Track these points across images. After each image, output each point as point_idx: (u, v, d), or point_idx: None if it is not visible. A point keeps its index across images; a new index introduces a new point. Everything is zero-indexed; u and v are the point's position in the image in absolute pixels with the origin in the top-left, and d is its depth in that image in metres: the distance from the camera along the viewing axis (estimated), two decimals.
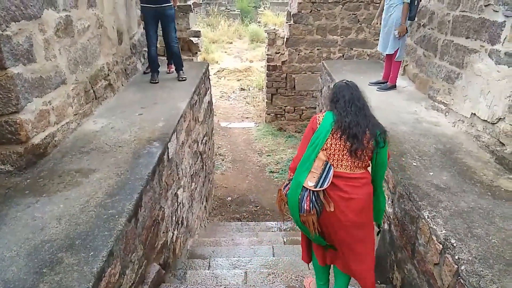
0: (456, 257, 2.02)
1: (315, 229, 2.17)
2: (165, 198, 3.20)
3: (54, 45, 3.09)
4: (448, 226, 2.23)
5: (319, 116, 2.37)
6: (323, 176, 2.14)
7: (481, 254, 2.02)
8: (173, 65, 5.44)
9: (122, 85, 4.72)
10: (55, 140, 3.09)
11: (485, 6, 3.32)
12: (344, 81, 2.44)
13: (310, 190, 2.13)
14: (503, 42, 3.10)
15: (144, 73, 5.35)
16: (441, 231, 2.20)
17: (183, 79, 5.15)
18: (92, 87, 3.83)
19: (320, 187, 2.13)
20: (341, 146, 2.19)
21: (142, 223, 2.53)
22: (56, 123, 3.11)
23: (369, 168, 2.29)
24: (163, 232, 3.14)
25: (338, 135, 2.19)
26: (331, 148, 2.20)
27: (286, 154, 8.03)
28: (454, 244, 2.09)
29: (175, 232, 3.65)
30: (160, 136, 3.33)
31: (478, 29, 3.44)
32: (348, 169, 2.19)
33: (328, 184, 2.13)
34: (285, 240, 4.78)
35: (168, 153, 3.29)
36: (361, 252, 2.24)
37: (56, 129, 3.10)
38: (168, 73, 5.46)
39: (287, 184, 2.35)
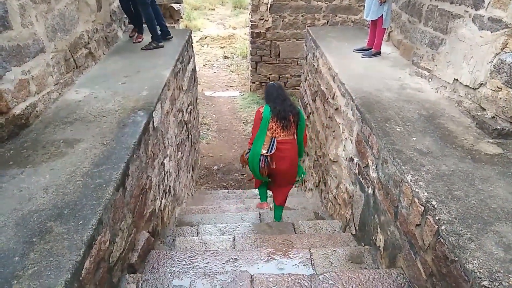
0: (437, 218, 2.10)
1: (265, 174, 3.62)
2: (152, 167, 3.20)
3: (30, 11, 2.97)
4: (430, 189, 2.30)
5: (261, 109, 3.60)
6: (271, 146, 3.50)
7: (460, 214, 2.10)
8: (142, 35, 5.27)
9: (104, 54, 4.60)
10: (37, 110, 3.02)
11: None
12: (272, 82, 3.75)
13: (263, 155, 3.53)
14: (487, 7, 3.11)
15: (130, 37, 5.20)
16: (423, 193, 2.27)
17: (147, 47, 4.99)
18: (72, 56, 3.73)
19: (269, 153, 3.52)
20: (278, 125, 3.51)
21: (130, 192, 2.54)
22: (36, 93, 3.03)
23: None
24: (151, 201, 3.16)
25: (275, 119, 3.50)
26: (272, 128, 3.53)
27: None
28: (435, 206, 2.16)
29: (163, 201, 3.68)
30: (144, 105, 3.30)
31: None
32: (284, 137, 3.55)
33: (274, 151, 3.50)
34: (271, 206, 4.86)
35: (153, 122, 3.26)
36: (286, 187, 3.95)
37: (37, 99, 3.03)
38: (134, 42, 5.21)
39: (247, 152, 3.71)
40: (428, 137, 2.90)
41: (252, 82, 9.30)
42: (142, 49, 4.99)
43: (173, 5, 7.78)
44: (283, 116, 3.45)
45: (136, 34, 5.31)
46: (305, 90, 6.47)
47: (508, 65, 2.85)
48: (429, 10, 4.07)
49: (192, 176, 5.90)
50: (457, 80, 3.47)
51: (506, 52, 2.94)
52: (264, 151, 3.48)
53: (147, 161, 3.04)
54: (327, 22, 8.36)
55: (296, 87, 8.94)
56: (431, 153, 2.68)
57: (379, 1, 4.51)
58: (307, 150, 6.00)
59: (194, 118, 6.36)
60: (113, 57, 4.62)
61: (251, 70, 9.25)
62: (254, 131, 3.59)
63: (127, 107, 3.26)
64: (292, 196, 5.85)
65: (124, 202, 2.41)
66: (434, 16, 3.94)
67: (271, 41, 8.73)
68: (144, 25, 5.37)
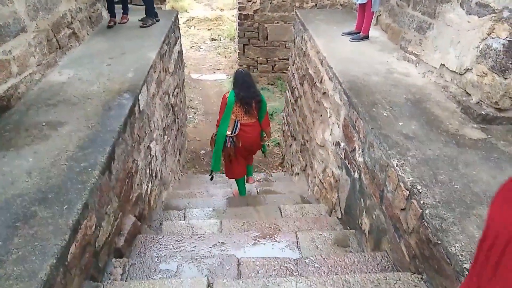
0: (421, 202, 2.13)
1: (232, 154, 4.05)
2: (138, 151, 3.17)
3: None
4: (415, 174, 2.33)
5: (227, 94, 3.94)
6: (235, 127, 3.90)
7: (444, 198, 2.14)
8: (127, 15, 5.17)
9: (88, 34, 4.49)
10: (19, 92, 2.95)
11: None
12: (240, 69, 4.05)
13: (228, 136, 3.92)
14: None
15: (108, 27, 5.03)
16: (408, 178, 2.30)
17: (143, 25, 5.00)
18: (55, 36, 3.63)
19: (234, 134, 3.92)
20: (241, 109, 3.88)
21: (116, 175, 2.51)
22: (18, 74, 2.95)
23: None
24: (137, 185, 3.14)
25: (239, 104, 3.86)
26: (236, 111, 3.90)
27: None
28: (420, 190, 2.19)
29: (149, 185, 3.66)
30: (130, 88, 3.24)
31: None
32: (246, 120, 3.96)
33: (237, 131, 3.91)
34: (258, 190, 4.89)
35: (139, 105, 3.21)
36: (250, 159, 4.58)
37: (19, 80, 2.95)
38: (119, 23, 5.10)
39: (215, 134, 4.05)
40: (415, 121, 2.92)
41: (240, 65, 9.22)
42: (140, 26, 4.99)
43: None
44: (246, 102, 3.81)
45: (122, 14, 5.19)
46: (293, 73, 6.44)
47: (494, 50, 2.87)
48: None
49: (179, 160, 5.86)
50: (443, 65, 3.49)
51: (492, 38, 2.95)
52: (228, 133, 3.90)
53: (133, 144, 3.01)
54: (316, 5, 8.28)
55: (284, 71, 8.89)
56: (417, 138, 2.71)
57: None
58: (294, 134, 6.01)
59: (181, 101, 6.29)
60: (97, 38, 4.51)
61: (238, 52, 9.16)
62: (220, 114, 3.98)
63: (112, 89, 3.20)
64: (279, 181, 5.88)
65: (110, 186, 2.39)
66: (423, 0, 3.93)
67: (259, 23, 8.63)
68: (130, 5, 5.26)
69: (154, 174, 3.88)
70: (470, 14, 3.15)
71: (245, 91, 3.81)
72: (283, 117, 7.13)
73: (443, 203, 2.11)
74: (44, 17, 3.41)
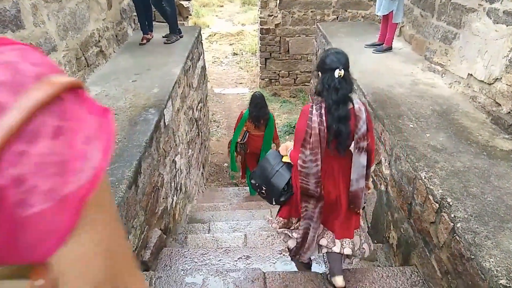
0: (452, 215, 2.07)
1: (242, 156, 5.01)
2: (163, 165, 3.21)
3: (42, 10, 2.99)
4: (445, 186, 2.27)
5: (243, 111, 4.76)
6: (244, 136, 4.74)
7: (476, 212, 2.07)
8: (152, 32, 5.28)
9: (114, 52, 4.61)
10: None
11: None
12: (256, 93, 4.76)
13: (238, 142, 4.79)
14: (502, 0, 3.05)
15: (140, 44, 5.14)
16: (438, 190, 2.24)
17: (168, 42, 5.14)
18: (84, 54, 3.75)
19: (243, 141, 4.75)
20: (252, 124, 4.68)
21: (142, 189, 2.55)
22: None
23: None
24: (163, 198, 3.17)
25: (250, 120, 4.65)
26: (247, 125, 4.71)
27: (281, 120, 8.02)
28: (450, 203, 2.13)
29: (175, 198, 3.69)
30: (155, 103, 3.30)
31: None
32: (255, 132, 4.73)
33: (246, 139, 4.75)
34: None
35: (164, 119, 3.27)
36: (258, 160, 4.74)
37: None
38: (141, 43, 5.08)
39: (230, 140, 4.97)
40: (442, 133, 2.86)
41: (262, 79, 9.26)
42: (165, 43, 5.11)
43: (182, 2, 7.78)
44: (256, 119, 4.65)
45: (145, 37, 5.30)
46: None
47: None
48: (442, 4, 4.01)
49: (202, 173, 5.91)
50: (471, 75, 3.42)
51: None
52: (239, 140, 4.80)
53: (159, 158, 3.05)
54: (337, 17, 8.29)
55: (306, 83, 8.89)
56: (445, 150, 2.65)
57: None
58: None
59: (204, 116, 6.37)
60: (123, 55, 4.63)
61: (260, 66, 9.21)
62: (236, 126, 4.88)
63: (138, 104, 3.27)
64: None
65: (137, 200, 2.42)
66: (447, 10, 3.88)
67: (280, 37, 8.68)
68: (154, 22, 5.39)
69: (179, 188, 3.92)
70: (497, 23, 3.09)
71: (257, 111, 4.60)
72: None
73: (475, 216, 2.04)
74: (73, 36, 3.53)
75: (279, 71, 9.09)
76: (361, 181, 2.10)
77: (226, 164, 6.93)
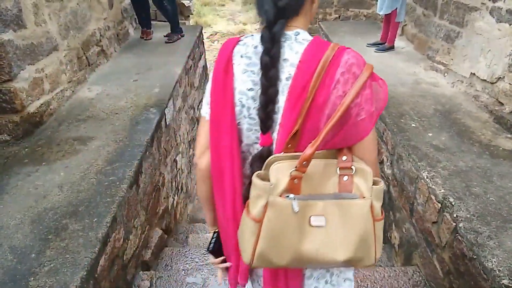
0: (455, 215, 2.06)
1: None
2: (164, 164, 3.20)
3: (43, 9, 2.99)
4: (447, 186, 2.26)
5: None
6: None
7: (479, 211, 2.06)
8: (151, 30, 5.29)
9: (115, 51, 4.61)
10: (51, 108, 3.04)
11: None
12: None
13: None
14: None
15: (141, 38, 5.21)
16: (440, 190, 2.23)
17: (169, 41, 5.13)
18: (85, 53, 3.74)
19: None
20: None
21: (143, 189, 2.54)
22: (50, 91, 3.05)
23: None
24: (164, 198, 3.16)
25: None
26: None
27: None
28: (453, 203, 2.12)
29: (176, 198, 3.68)
30: (156, 102, 3.30)
31: None
32: None
33: None
34: None
35: (165, 119, 3.26)
36: None
37: (51, 97, 3.05)
38: (145, 39, 5.19)
39: None
40: (445, 132, 2.85)
41: None
42: (166, 42, 5.10)
43: (183, 1, 7.77)
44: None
45: (145, 31, 5.31)
46: None
47: None
48: (445, 3, 3.99)
49: None
50: (474, 74, 3.40)
51: None
52: None
53: (160, 158, 3.04)
54: (339, 16, 8.27)
55: None
56: (448, 149, 2.63)
57: None
58: None
59: None
60: (124, 54, 4.63)
61: None
62: None
63: (139, 104, 3.26)
64: None
65: (138, 200, 2.42)
66: (450, 9, 3.86)
67: None
68: (155, 22, 5.39)
69: (180, 187, 3.92)
70: (500, 22, 3.08)
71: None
72: None
73: (477, 216, 2.03)
74: (75, 36, 3.53)
75: None
76: None
77: None
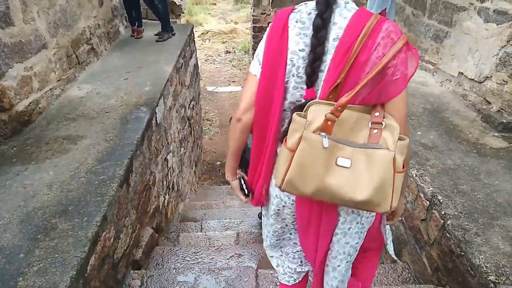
0: (443, 213, 2.08)
1: None
2: (155, 163, 3.19)
3: (32, 7, 2.95)
4: (435, 184, 2.29)
5: None
6: None
7: (466, 209, 2.09)
8: (141, 28, 5.26)
9: (105, 50, 4.58)
10: (40, 107, 3.02)
11: None
12: None
13: None
14: None
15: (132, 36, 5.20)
16: (429, 188, 2.26)
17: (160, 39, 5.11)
18: (75, 52, 3.71)
19: None
20: None
21: (134, 188, 2.54)
22: (39, 89, 3.02)
23: None
24: (155, 197, 3.16)
25: None
26: None
27: None
28: (441, 201, 2.15)
29: (167, 197, 3.68)
30: (147, 101, 3.28)
31: None
32: None
33: None
34: None
35: (156, 118, 3.25)
36: None
37: (40, 95, 3.02)
38: (136, 38, 5.18)
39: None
40: (433, 131, 2.88)
41: None
42: (157, 41, 5.08)
43: (174, 0, 7.74)
44: None
45: (136, 29, 5.29)
46: None
47: None
48: (434, 3, 4.03)
49: (195, 171, 5.89)
50: (462, 73, 3.45)
51: (511, 46, 2.91)
52: None
53: (151, 157, 3.03)
54: None
55: None
56: (436, 148, 2.66)
57: None
58: None
59: (197, 114, 6.35)
60: (115, 53, 4.60)
61: None
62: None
63: (129, 103, 3.25)
64: None
65: (128, 199, 2.41)
66: (439, 9, 3.91)
67: None
68: (146, 20, 5.37)
69: (171, 186, 3.91)
70: (488, 22, 3.12)
71: None
72: None
73: (465, 213, 2.06)
74: (64, 33, 3.50)
75: None
76: None
77: (218, 163, 6.94)
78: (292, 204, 1.38)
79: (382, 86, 1.11)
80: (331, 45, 1.13)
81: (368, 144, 1.11)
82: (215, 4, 16.88)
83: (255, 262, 2.70)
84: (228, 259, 2.72)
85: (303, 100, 1.21)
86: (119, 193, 2.21)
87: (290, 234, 1.59)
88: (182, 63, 4.90)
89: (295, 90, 1.22)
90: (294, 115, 1.14)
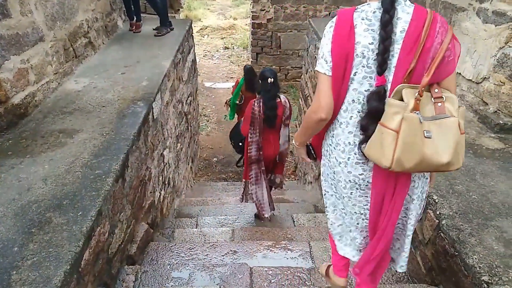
0: (438, 212, 2.09)
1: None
2: (151, 159, 3.19)
3: None
4: (431, 183, 2.29)
5: (239, 79, 5.56)
6: (241, 100, 5.47)
7: (461, 209, 2.10)
8: (140, 23, 5.24)
9: (103, 43, 4.56)
10: (36, 100, 3.00)
11: None
12: (246, 65, 5.65)
13: (237, 104, 5.53)
14: (491, 0, 3.07)
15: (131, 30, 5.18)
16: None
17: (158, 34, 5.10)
18: (72, 45, 3.69)
19: (240, 103, 5.46)
20: (247, 91, 5.33)
21: (129, 183, 2.53)
22: (35, 82, 3.01)
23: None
24: (150, 192, 3.15)
25: (246, 88, 5.39)
26: (243, 92, 5.44)
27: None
28: (436, 200, 2.16)
29: (162, 192, 3.67)
30: (144, 96, 3.27)
31: None
32: (251, 95, 4.77)
33: (243, 102, 5.38)
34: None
35: (153, 113, 3.24)
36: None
37: (36, 88, 3.01)
38: (134, 32, 5.16)
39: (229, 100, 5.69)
40: None
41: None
42: (155, 35, 5.07)
43: None
44: (250, 88, 5.14)
45: (135, 23, 5.26)
46: (306, 82, 6.43)
47: (511, 59, 2.83)
48: (433, 2, 4.03)
49: (191, 167, 5.89)
50: (459, 74, 3.45)
51: (510, 46, 2.91)
52: (237, 102, 5.53)
53: (147, 152, 3.03)
54: (329, 13, 8.29)
55: (297, 79, 8.89)
56: None
57: None
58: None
59: (194, 109, 6.34)
60: (112, 47, 4.58)
61: (251, 61, 9.19)
62: (233, 91, 5.65)
63: (126, 97, 3.24)
64: (291, 189, 5.85)
65: (123, 194, 2.40)
66: (438, 8, 3.90)
67: (272, 32, 8.66)
68: (145, 15, 5.34)
69: (167, 182, 3.90)
70: (486, 23, 3.12)
71: (248, 83, 5.22)
72: (296, 125, 7.12)
73: (460, 213, 2.06)
74: (61, 26, 3.47)
75: (271, 66, 9.07)
76: (286, 144, 3.55)
77: (215, 159, 6.93)
78: (366, 185, 1.56)
79: (441, 66, 1.33)
80: (399, 37, 1.34)
81: (437, 116, 1.32)
82: None
83: (250, 259, 2.70)
84: (223, 255, 2.72)
85: (374, 88, 1.39)
86: (114, 188, 2.21)
87: (357, 223, 1.71)
88: (180, 58, 4.89)
89: (365, 79, 1.40)
90: (390, 100, 1.33)
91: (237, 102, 5.54)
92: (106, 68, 3.90)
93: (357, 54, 1.37)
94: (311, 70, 5.99)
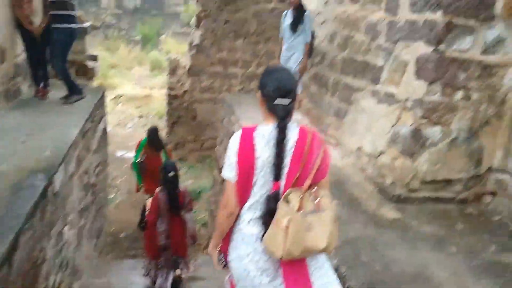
0: (346, 286, 2.13)
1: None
2: (47, 238, 2.87)
3: None
4: (339, 256, 2.35)
5: (140, 140, 5.79)
6: (142, 158, 5.65)
7: (367, 280, 2.17)
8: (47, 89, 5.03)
9: (2, 110, 4.22)
10: None
11: (368, 50, 3.71)
12: (152, 127, 5.95)
13: (138, 162, 5.68)
14: (383, 83, 3.47)
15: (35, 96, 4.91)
16: (333, 261, 2.31)
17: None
18: None
19: (141, 160, 5.67)
20: (150, 150, 5.65)
21: (17, 268, 2.21)
22: None
23: None
24: (43, 278, 2.79)
25: (149, 147, 5.61)
26: (146, 151, 5.63)
27: (187, 186, 7.84)
28: (344, 274, 2.20)
29: (59, 276, 3.27)
30: (46, 167, 3.03)
31: (362, 70, 3.81)
32: (154, 155, 5.57)
33: (144, 159, 5.63)
34: (183, 277, 4.59)
35: (54, 186, 2.98)
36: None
37: None
38: (36, 95, 4.93)
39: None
40: (336, 202, 3.02)
41: (168, 143, 9.14)
42: (63, 104, 4.79)
43: (88, 62, 7.58)
44: (153, 147, 5.60)
45: (41, 89, 4.99)
46: (221, 153, 6.51)
47: (402, 136, 3.16)
48: (335, 83, 4.44)
49: (96, 244, 5.41)
50: (360, 148, 3.75)
51: (400, 125, 3.26)
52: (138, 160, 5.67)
53: (43, 230, 2.72)
54: (243, 88, 8.71)
55: (212, 148, 8.98)
56: (340, 219, 2.76)
57: (299, 73, 4.87)
58: None
59: (103, 180, 5.99)
60: (13, 113, 4.26)
61: (167, 131, 9.13)
62: (135, 149, 5.79)
63: (25, 168, 2.96)
64: (207, 265, 5.61)
65: (9, 281, 2.09)
66: (339, 88, 4.31)
67: (188, 103, 8.79)
68: (55, 80, 5.11)
69: (65, 264, 3.50)
70: (380, 103, 3.49)
71: (151, 142, 5.54)
72: (210, 197, 7.04)
73: (367, 285, 2.12)
74: None
75: (186, 136, 9.09)
76: (194, 224, 4.10)
77: (123, 234, 6.49)
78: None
79: (319, 172, 1.71)
80: (288, 151, 1.71)
81: (316, 210, 1.67)
82: (131, 69, 16.84)
83: None
84: None
85: (271, 192, 1.72)
86: None
87: None
88: (90, 127, 4.68)
89: (265, 184, 1.74)
90: (281, 204, 1.65)
91: (138, 160, 5.67)
92: (3, 136, 3.57)
93: (257, 166, 1.71)
94: (226, 142, 6.10)
